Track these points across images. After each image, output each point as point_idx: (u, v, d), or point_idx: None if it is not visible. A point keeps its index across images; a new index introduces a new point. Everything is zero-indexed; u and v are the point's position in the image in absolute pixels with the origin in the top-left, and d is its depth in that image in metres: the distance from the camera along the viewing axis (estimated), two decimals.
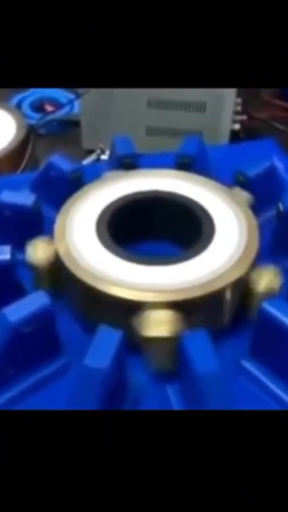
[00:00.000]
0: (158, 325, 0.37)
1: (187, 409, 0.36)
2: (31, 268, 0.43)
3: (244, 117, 0.70)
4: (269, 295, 0.40)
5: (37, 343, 0.38)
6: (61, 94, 0.81)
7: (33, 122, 0.74)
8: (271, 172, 0.52)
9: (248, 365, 0.39)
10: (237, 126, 0.68)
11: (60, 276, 0.43)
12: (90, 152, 0.70)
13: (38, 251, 0.43)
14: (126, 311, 0.39)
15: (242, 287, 0.41)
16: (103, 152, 0.67)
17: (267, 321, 0.37)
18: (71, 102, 0.75)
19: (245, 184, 0.50)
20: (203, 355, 0.35)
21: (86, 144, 0.71)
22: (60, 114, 0.77)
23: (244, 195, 0.48)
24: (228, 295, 0.41)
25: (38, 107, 0.80)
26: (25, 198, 0.48)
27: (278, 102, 0.79)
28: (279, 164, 0.55)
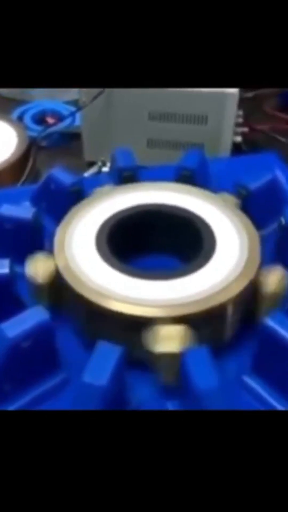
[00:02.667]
0: (168, 340, 0.37)
1: (185, 410, 0.36)
2: (30, 283, 0.42)
3: (246, 129, 0.69)
4: (278, 297, 0.40)
5: (35, 359, 0.37)
6: (62, 106, 0.81)
7: (34, 134, 0.74)
8: (273, 185, 0.51)
9: (250, 381, 0.39)
10: (238, 138, 0.68)
11: (59, 291, 0.42)
12: (91, 164, 0.69)
13: (37, 266, 0.42)
14: (127, 326, 0.39)
15: (244, 299, 0.41)
16: (104, 164, 0.67)
17: (270, 336, 0.37)
18: (72, 114, 0.75)
19: (246, 197, 0.49)
20: (204, 372, 0.34)
21: (87, 156, 0.71)
22: (62, 126, 0.77)
23: (232, 198, 0.48)
24: (230, 309, 0.40)
25: (39, 119, 0.80)
26: (25, 211, 0.47)
27: (280, 114, 0.79)
28: (281, 177, 0.55)
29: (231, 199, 0.49)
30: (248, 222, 0.46)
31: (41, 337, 0.37)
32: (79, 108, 0.68)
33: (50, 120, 0.79)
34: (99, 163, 0.68)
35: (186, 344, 0.37)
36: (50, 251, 0.44)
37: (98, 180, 0.56)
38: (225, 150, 0.67)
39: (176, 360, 0.36)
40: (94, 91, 0.64)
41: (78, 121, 0.74)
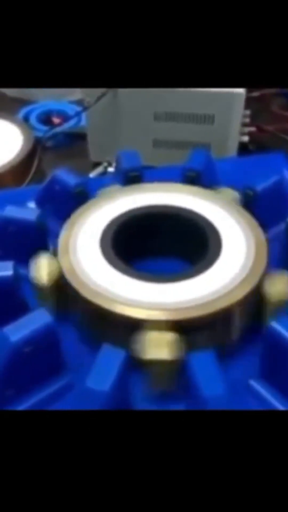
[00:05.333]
0: (159, 347, 0.36)
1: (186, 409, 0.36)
2: (35, 285, 0.42)
3: (253, 128, 0.69)
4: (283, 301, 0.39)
5: (39, 363, 0.37)
6: (68, 106, 0.81)
7: (40, 134, 0.73)
8: (281, 186, 0.51)
9: (256, 385, 0.38)
10: (245, 138, 0.67)
11: (64, 293, 0.42)
12: (97, 164, 0.69)
13: (42, 268, 0.42)
14: (131, 330, 0.38)
15: (251, 303, 0.40)
16: (110, 164, 0.67)
17: (276, 340, 0.36)
18: (78, 114, 0.75)
19: (253, 198, 0.49)
20: (209, 378, 0.34)
21: (93, 156, 0.71)
22: (67, 126, 0.77)
23: (232, 193, 0.48)
24: (235, 313, 0.40)
25: (45, 119, 0.80)
26: (29, 212, 0.47)
27: None
28: None
29: (231, 193, 0.49)
30: (255, 225, 0.45)
31: (44, 341, 0.37)
32: (84, 108, 0.68)
33: (55, 120, 0.79)
34: (105, 164, 0.68)
35: (177, 352, 0.36)
36: (55, 253, 0.44)
37: (103, 181, 0.56)
38: (232, 150, 0.66)
39: (168, 367, 0.36)
40: (98, 91, 0.64)
41: (83, 121, 0.73)
